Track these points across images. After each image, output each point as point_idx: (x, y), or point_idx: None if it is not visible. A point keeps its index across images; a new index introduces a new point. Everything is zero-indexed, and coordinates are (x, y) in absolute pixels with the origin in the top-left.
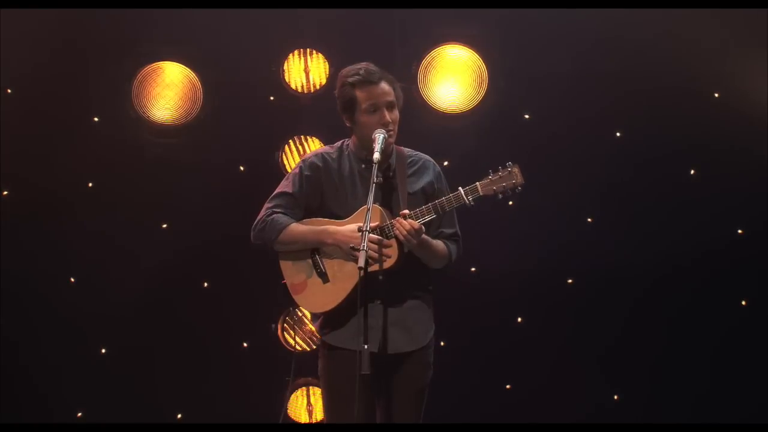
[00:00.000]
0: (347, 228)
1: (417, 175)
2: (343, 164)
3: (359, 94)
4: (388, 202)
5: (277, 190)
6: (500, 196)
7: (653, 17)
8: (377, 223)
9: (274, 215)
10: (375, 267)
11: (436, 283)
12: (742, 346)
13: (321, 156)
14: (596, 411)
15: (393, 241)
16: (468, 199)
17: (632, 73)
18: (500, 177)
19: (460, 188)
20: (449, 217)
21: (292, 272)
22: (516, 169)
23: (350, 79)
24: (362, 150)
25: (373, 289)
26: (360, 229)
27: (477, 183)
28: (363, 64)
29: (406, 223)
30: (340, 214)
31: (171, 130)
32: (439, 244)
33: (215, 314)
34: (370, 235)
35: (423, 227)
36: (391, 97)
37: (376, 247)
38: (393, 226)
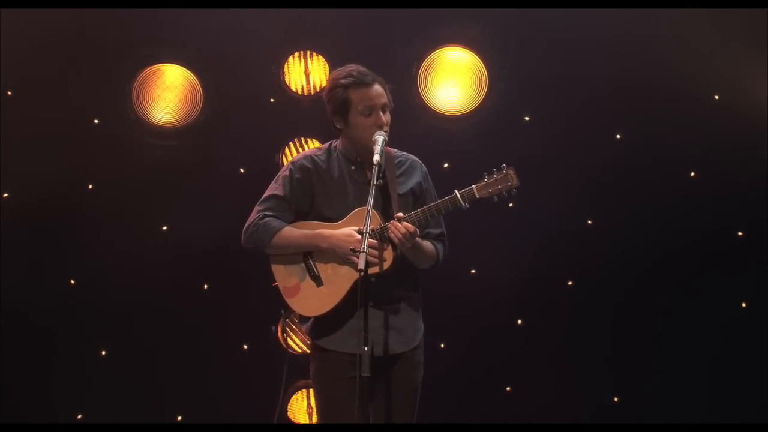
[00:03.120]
0: (342, 231)
1: (406, 175)
2: (332, 166)
3: (354, 95)
4: (380, 203)
5: (267, 193)
6: (496, 198)
7: (653, 19)
8: (372, 226)
9: (266, 219)
10: (374, 270)
11: (436, 285)
12: (742, 346)
13: (310, 158)
14: (596, 413)
15: (388, 244)
16: (464, 203)
17: (632, 75)
18: (496, 179)
19: (456, 191)
20: (436, 218)
21: (284, 276)
22: (511, 171)
23: (343, 81)
24: (353, 152)
25: (365, 291)
26: (360, 232)
27: (473, 186)
28: (353, 66)
29: (401, 227)
30: (331, 216)
31: (171, 132)
32: (428, 245)
33: (215, 316)
34: (370, 239)
35: (418, 230)
36: (385, 99)
37: (375, 252)
38: (388, 229)
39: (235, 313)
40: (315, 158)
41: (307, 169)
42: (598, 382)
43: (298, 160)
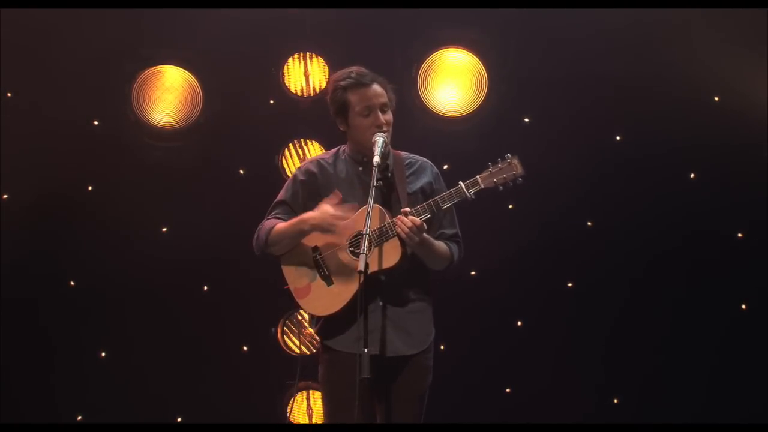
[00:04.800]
0: (316, 210)
1: (415, 175)
2: (339, 168)
3: (352, 97)
4: (388, 202)
5: (274, 201)
6: (501, 187)
7: (653, 19)
8: (378, 224)
9: (265, 222)
10: (375, 268)
11: (436, 286)
12: (742, 347)
13: (316, 162)
14: (596, 414)
15: (396, 240)
16: (469, 193)
17: (632, 77)
18: (500, 169)
19: (460, 182)
20: (450, 218)
21: (295, 277)
22: (515, 160)
23: (342, 83)
24: (358, 153)
25: (374, 290)
26: (358, 234)
27: (477, 176)
28: (354, 68)
29: (407, 220)
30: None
31: (171, 133)
32: (440, 244)
33: (215, 318)
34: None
35: (424, 224)
36: (384, 99)
37: (407, 229)
38: (394, 224)
39: (235, 315)
40: (321, 162)
41: (311, 173)
42: (597, 383)
43: (304, 164)
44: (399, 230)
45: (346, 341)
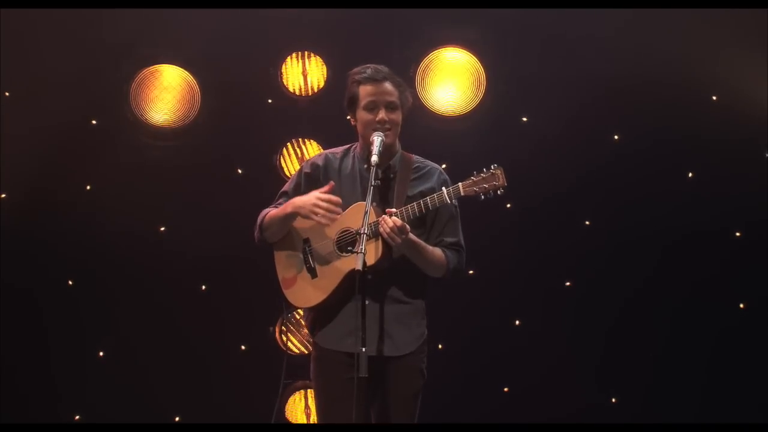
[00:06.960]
0: (305, 195)
1: (420, 179)
2: (346, 164)
3: (361, 91)
4: (384, 202)
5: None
6: (482, 197)
7: (652, 19)
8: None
9: (264, 210)
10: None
11: (435, 285)
12: (740, 347)
13: (324, 156)
14: (593, 413)
15: (379, 239)
16: (450, 199)
17: (630, 77)
18: (483, 178)
19: (443, 188)
20: (452, 226)
21: (284, 266)
22: (499, 172)
23: (357, 76)
24: (364, 150)
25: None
26: (358, 233)
27: (459, 183)
28: (374, 64)
29: (390, 221)
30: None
31: (169, 132)
32: (435, 250)
33: (213, 317)
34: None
35: (407, 226)
36: (393, 98)
37: (388, 229)
38: (378, 224)
39: (233, 314)
40: (329, 156)
41: (317, 166)
42: (595, 383)
43: (313, 157)
44: (381, 230)
45: (332, 339)
